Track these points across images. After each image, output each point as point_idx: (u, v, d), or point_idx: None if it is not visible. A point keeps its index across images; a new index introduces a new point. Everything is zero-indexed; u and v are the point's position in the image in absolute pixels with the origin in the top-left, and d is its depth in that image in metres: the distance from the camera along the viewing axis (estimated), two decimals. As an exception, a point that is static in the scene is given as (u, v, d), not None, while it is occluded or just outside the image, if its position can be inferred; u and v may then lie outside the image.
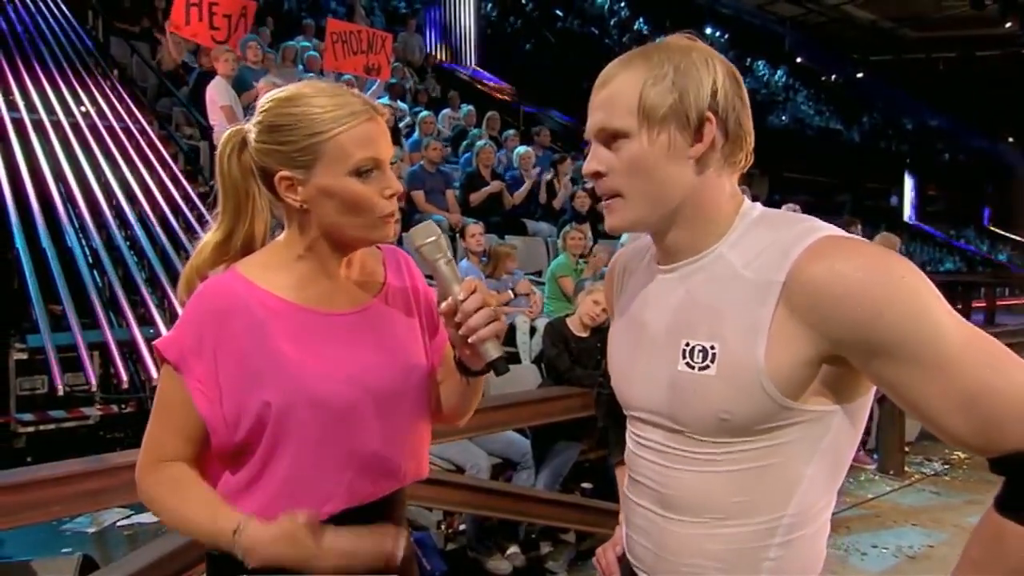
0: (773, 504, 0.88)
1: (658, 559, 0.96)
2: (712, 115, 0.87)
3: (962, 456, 5.09)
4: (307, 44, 7.50)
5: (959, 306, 12.42)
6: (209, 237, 1.10)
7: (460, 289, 0.99)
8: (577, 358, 3.35)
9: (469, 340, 0.99)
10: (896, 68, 14.40)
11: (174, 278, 3.64)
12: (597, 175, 0.93)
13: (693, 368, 0.88)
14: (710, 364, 0.86)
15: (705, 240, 0.92)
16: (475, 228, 4.64)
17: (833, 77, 15.75)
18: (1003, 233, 18.00)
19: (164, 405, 1.05)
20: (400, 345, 1.12)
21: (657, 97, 0.87)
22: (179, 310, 3.25)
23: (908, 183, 17.13)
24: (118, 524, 3.49)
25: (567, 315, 3.60)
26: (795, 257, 0.82)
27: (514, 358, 4.13)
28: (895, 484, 4.46)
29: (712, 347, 0.87)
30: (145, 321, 3.23)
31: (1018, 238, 17.46)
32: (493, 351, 1.00)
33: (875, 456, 4.73)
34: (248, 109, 5.42)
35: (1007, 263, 16.24)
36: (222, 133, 4.07)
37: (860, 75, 15.18)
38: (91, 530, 3.42)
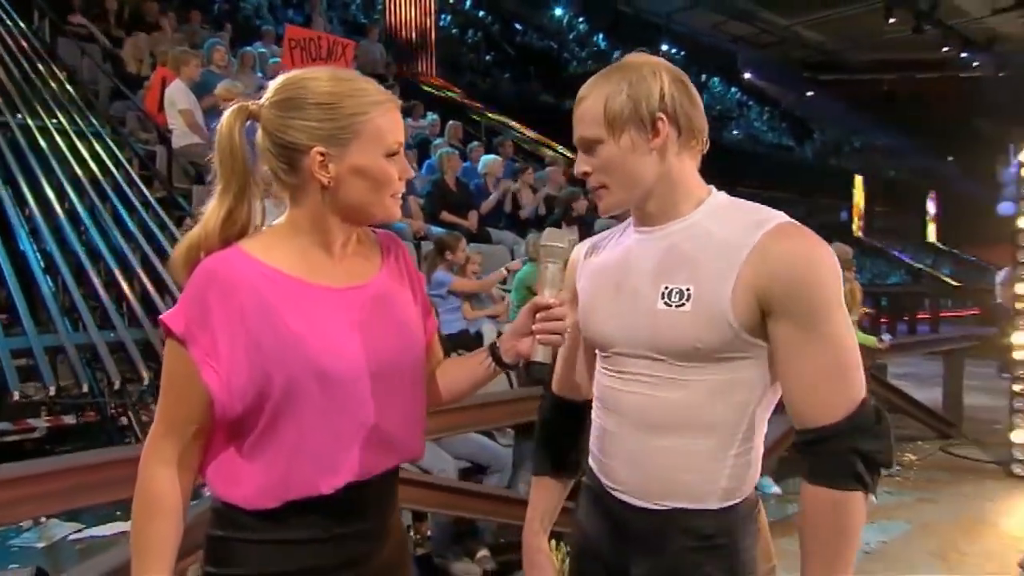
0: (733, 421, 1.12)
1: (644, 479, 1.16)
2: (663, 114, 1.11)
3: (912, 458, 5.33)
4: (264, 50, 7.47)
5: (906, 317, 12.97)
6: (211, 214, 1.10)
7: (557, 296, 1.18)
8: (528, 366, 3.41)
9: (537, 337, 1.16)
10: (844, 87, 15.04)
11: (133, 282, 3.59)
12: (585, 174, 1.17)
13: (671, 306, 1.10)
14: (685, 303, 1.09)
15: (682, 209, 1.16)
16: (462, 244, 4.64)
17: (784, 95, 16.38)
18: (946, 248, 18.83)
19: (170, 378, 1.08)
20: (398, 321, 1.16)
21: (616, 108, 1.11)
22: (139, 312, 3.17)
23: (858, 199, 17.81)
24: (69, 538, 3.39)
25: None
26: (763, 232, 1.07)
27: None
28: (851, 485, 4.64)
29: (688, 289, 1.09)
30: (105, 325, 3.18)
31: (960, 253, 18.30)
32: (544, 355, 1.18)
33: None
34: (208, 113, 5.41)
35: (950, 277, 16.98)
36: (182, 137, 4.13)
37: (810, 93, 15.80)
38: (40, 545, 3.32)
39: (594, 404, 1.26)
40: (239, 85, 5.15)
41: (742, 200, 1.17)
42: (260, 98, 1.12)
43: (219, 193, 1.11)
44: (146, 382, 2.86)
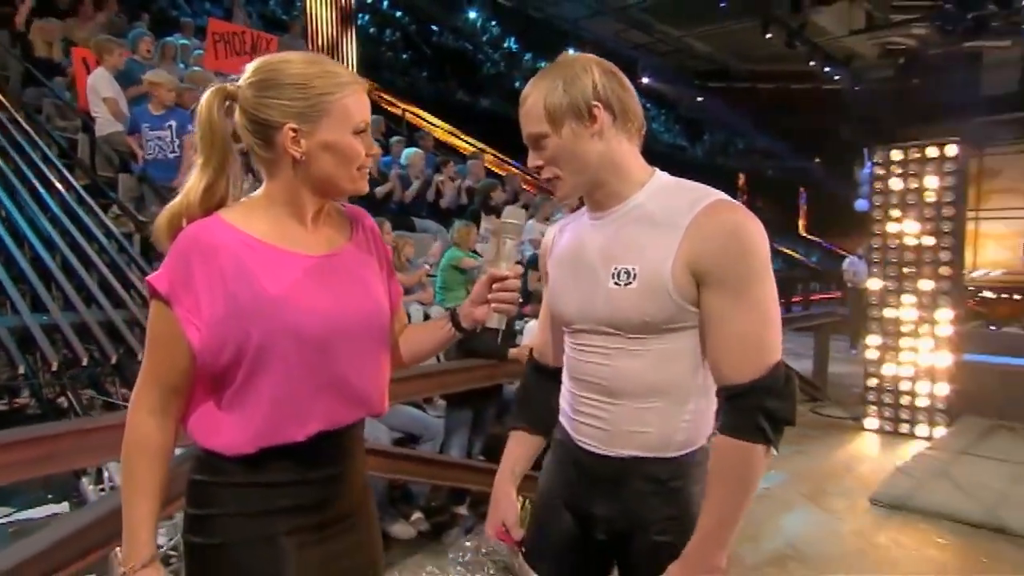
0: (685, 383, 1.18)
1: (608, 434, 1.23)
2: (597, 103, 1.15)
3: (788, 418, 5.81)
4: (186, 42, 7.12)
5: (782, 300, 13.95)
6: (193, 185, 1.13)
7: (510, 268, 1.23)
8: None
9: (492, 306, 1.23)
10: (729, 94, 15.80)
11: (63, 266, 3.41)
12: (538, 168, 1.21)
13: (620, 285, 1.16)
14: (632, 281, 1.15)
15: (625, 192, 1.21)
16: (387, 227, 4.70)
17: (680, 99, 17.11)
18: (814, 239, 20.20)
19: (155, 337, 1.10)
20: (366, 287, 1.20)
21: (554, 103, 1.15)
22: (73, 297, 3.04)
23: (741, 195, 18.84)
24: (-1, 523, 3.20)
25: None
26: (698, 209, 1.12)
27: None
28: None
29: (634, 268, 1.15)
30: (37, 308, 3.02)
31: (825, 243, 19.69)
32: (499, 322, 1.24)
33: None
34: (133, 101, 5.14)
35: (817, 264, 18.27)
36: (106, 125, 4.04)
37: (701, 99, 16.51)
38: (-35, 529, 3.12)
39: (564, 372, 1.35)
40: (167, 75, 4.92)
41: (684, 180, 1.22)
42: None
43: (200, 167, 1.13)
44: (85, 362, 2.75)
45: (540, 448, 1.47)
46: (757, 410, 1.07)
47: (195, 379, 1.11)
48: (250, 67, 1.13)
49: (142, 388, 1.12)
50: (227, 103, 1.13)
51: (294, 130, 1.09)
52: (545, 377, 1.45)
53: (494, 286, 1.24)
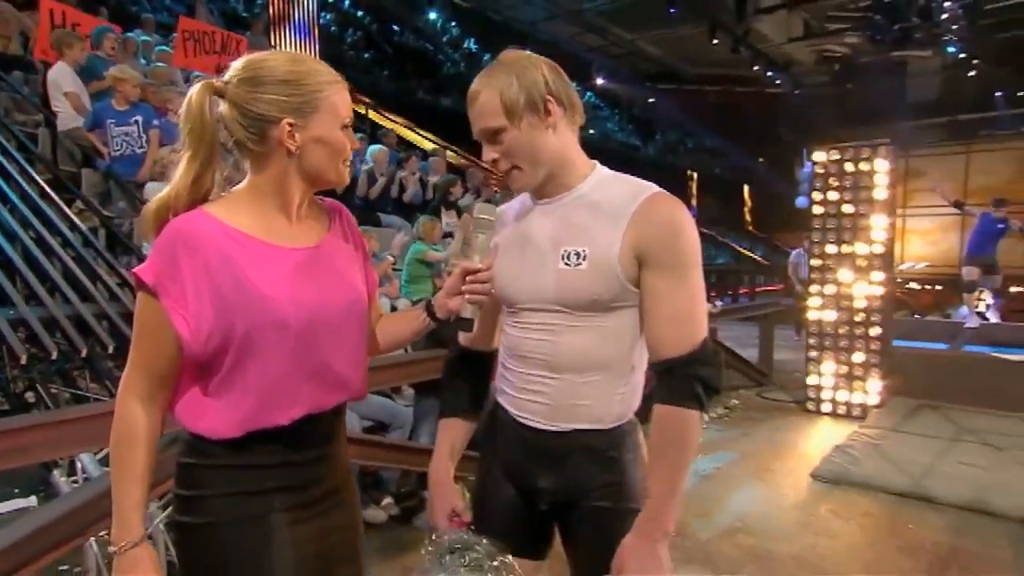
0: (622, 357, 1.24)
1: (551, 408, 1.27)
2: (550, 96, 1.19)
3: (737, 403, 5.99)
4: (148, 38, 6.90)
5: (730, 292, 14.31)
6: (180, 179, 1.12)
7: (484, 262, 1.25)
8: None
9: (466, 297, 1.25)
10: (679, 96, 16.09)
11: (29, 261, 3.30)
12: (495, 161, 1.23)
13: (570, 266, 1.20)
14: (582, 262, 1.19)
15: (571, 181, 1.26)
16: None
17: (632, 100, 17.36)
18: (759, 234, 20.74)
19: (143, 327, 1.10)
20: (346, 278, 1.22)
21: (511, 98, 1.17)
22: (38, 289, 2.95)
23: (691, 192, 19.23)
24: (-36, 518, 3.09)
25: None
26: (641, 200, 1.19)
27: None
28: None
29: (584, 251, 1.20)
30: (4, 303, 2.91)
31: (769, 238, 20.24)
32: (472, 313, 1.26)
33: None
34: (95, 97, 4.95)
35: (762, 257, 18.78)
36: (68, 120, 3.96)
37: (652, 100, 16.76)
38: (-71, 526, 3.00)
39: (503, 352, 1.35)
40: (130, 71, 4.77)
41: (622, 174, 1.28)
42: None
43: (187, 160, 1.12)
44: (54, 356, 2.67)
45: (471, 432, 1.46)
46: (693, 379, 1.15)
47: (182, 366, 1.12)
48: (237, 64, 1.13)
49: (130, 375, 1.12)
50: (212, 98, 1.13)
51: (291, 124, 1.11)
52: (474, 363, 1.45)
53: (467, 278, 1.26)
